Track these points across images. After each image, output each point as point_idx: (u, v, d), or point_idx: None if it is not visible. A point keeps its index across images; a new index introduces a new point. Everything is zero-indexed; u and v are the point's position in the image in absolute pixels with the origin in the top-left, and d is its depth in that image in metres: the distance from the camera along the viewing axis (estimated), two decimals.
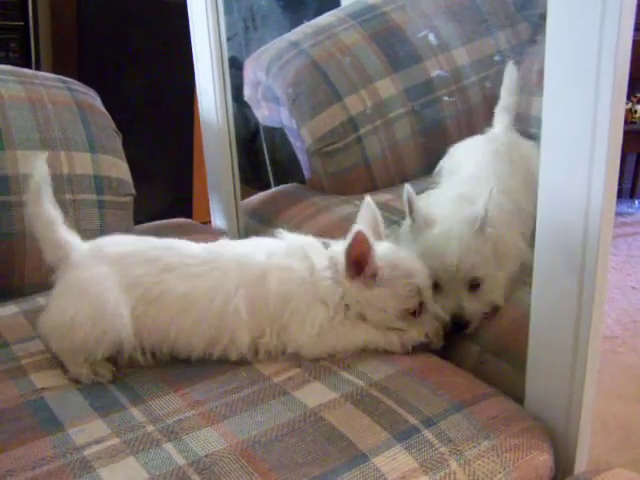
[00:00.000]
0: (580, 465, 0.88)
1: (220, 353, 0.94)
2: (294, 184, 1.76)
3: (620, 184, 3.01)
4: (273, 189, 1.82)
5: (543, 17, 0.77)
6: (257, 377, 0.91)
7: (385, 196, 1.55)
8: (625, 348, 1.90)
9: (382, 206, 1.48)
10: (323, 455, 0.76)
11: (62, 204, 1.24)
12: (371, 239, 0.94)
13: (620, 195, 3.09)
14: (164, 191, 2.41)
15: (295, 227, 1.50)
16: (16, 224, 1.19)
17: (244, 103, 1.89)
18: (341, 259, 0.96)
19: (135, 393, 0.89)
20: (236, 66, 1.90)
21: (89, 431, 0.80)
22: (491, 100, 1.63)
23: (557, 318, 0.84)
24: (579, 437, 0.86)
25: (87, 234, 1.00)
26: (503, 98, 1.54)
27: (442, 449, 0.78)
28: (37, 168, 0.96)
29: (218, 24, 1.49)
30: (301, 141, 1.66)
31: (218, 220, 1.66)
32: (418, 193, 1.54)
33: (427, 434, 0.80)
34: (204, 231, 1.54)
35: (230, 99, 1.56)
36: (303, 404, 0.85)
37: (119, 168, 1.36)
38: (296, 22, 2.07)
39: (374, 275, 0.95)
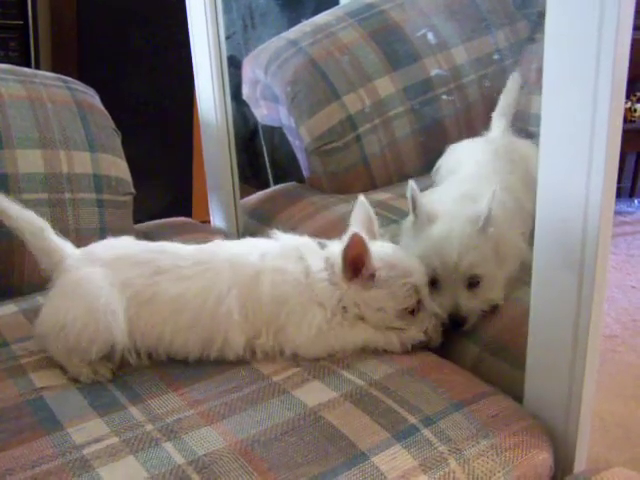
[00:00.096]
0: (579, 464, 0.88)
1: (217, 354, 0.94)
2: (293, 183, 1.76)
3: (619, 183, 3.01)
4: (272, 188, 1.82)
5: (542, 15, 0.77)
6: (256, 376, 0.91)
7: (384, 195, 1.55)
8: (625, 347, 1.90)
9: (381, 205, 1.50)
10: (323, 454, 0.76)
11: (61, 203, 1.25)
12: (367, 241, 0.93)
13: (619, 194, 3.09)
14: (163, 190, 2.41)
15: (294, 226, 1.50)
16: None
17: (243, 102, 1.89)
18: (338, 261, 0.95)
19: (134, 392, 0.89)
20: (235, 65, 1.90)
21: (88, 430, 0.80)
22: (490, 99, 1.63)
23: (556, 317, 0.84)
24: (578, 436, 0.86)
25: (86, 233, 1.01)
26: (502, 104, 1.54)
27: (441, 448, 0.78)
28: None
29: (217, 23, 1.49)
30: (300, 140, 1.66)
31: (217, 219, 1.66)
32: (420, 191, 1.55)
33: (426, 433, 0.80)
34: (203, 230, 1.54)
35: (229, 98, 1.56)
36: (302, 403, 0.85)
37: (118, 167, 1.36)
38: (295, 21, 2.07)
39: (371, 276, 0.95)
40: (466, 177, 1.27)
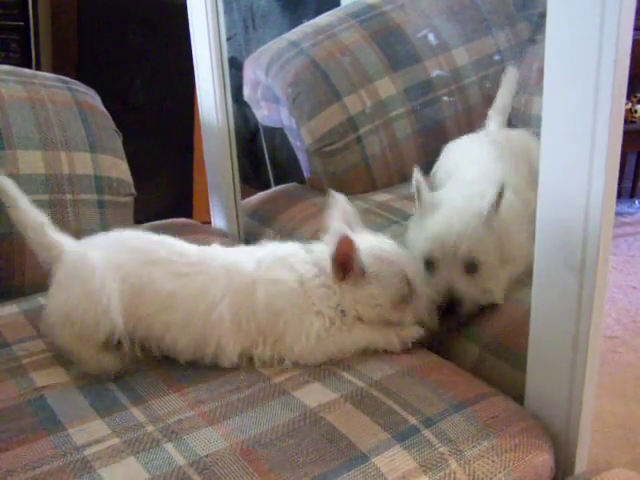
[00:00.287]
0: (580, 465, 0.88)
1: (210, 359, 0.93)
2: (294, 184, 1.76)
3: (620, 184, 3.01)
4: (273, 189, 1.82)
5: (543, 16, 0.78)
6: (257, 377, 0.91)
7: (385, 196, 1.55)
8: (625, 348, 1.90)
9: (382, 206, 1.50)
10: (323, 455, 0.76)
11: (62, 204, 1.25)
12: (354, 239, 0.93)
13: (620, 195, 3.09)
14: (164, 191, 2.41)
15: (295, 227, 1.50)
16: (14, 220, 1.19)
17: (244, 103, 1.89)
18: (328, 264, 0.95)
19: (135, 393, 0.89)
20: (236, 66, 1.90)
21: (89, 431, 0.80)
22: (491, 100, 1.63)
23: (557, 317, 0.84)
24: (579, 437, 0.86)
25: (87, 234, 1.01)
26: (500, 99, 1.54)
27: (442, 449, 0.78)
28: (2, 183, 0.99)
29: (218, 24, 1.49)
30: (301, 141, 1.66)
31: (218, 220, 1.66)
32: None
33: (427, 434, 0.80)
34: (204, 231, 1.54)
35: (230, 99, 1.56)
36: (303, 404, 0.85)
37: (119, 168, 1.37)
38: (296, 22, 2.08)
39: (362, 273, 0.95)
40: (473, 179, 1.25)
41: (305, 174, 1.72)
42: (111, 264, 0.93)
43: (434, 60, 1.75)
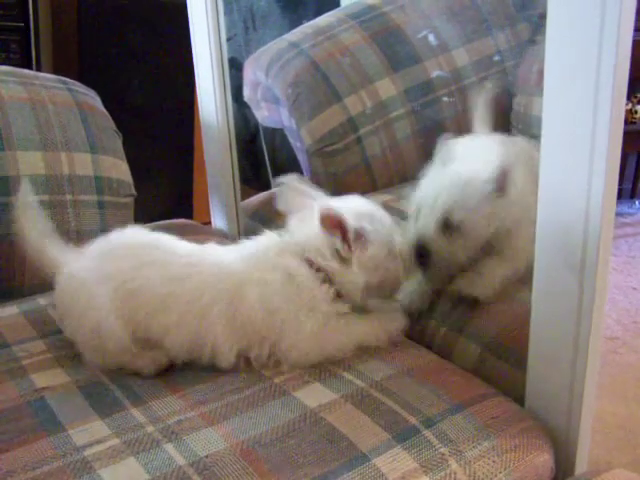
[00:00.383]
0: (580, 465, 0.88)
1: (208, 359, 0.92)
2: None
3: (620, 185, 3.01)
4: (273, 189, 1.82)
5: (543, 17, 0.78)
6: (257, 378, 0.91)
7: (385, 196, 1.55)
8: (626, 349, 1.90)
9: (383, 207, 1.49)
10: (323, 455, 0.76)
11: (62, 204, 1.26)
12: (335, 206, 0.91)
13: (620, 196, 3.09)
14: (164, 192, 2.41)
15: None
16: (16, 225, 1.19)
17: (244, 104, 1.89)
18: (322, 251, 0.93)
19: (135, 394, 0.89)
20: (236, 67, 1.90)
21: (89, 431, 0.80)
22: (490, 100, 1.63)
23: (557, 318, 0.84)
24: (580, 437, 0.86)
25: (87, 235, 1.01)
26: (479, 117, 1.52)
27: (442, 449, 0.78)
28: (22, 192, 1.02)
29: (218, 24, 1.49)
30: (301, 141, 1.66)
31: (218, 221, 1.66)
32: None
33: (427, 434, 0.80)
34: (204, 232, 1.54)
35: (230, 100, 1.56)
36: (303, 404, 0.85)
37: (119, 169, 1.37)
38: (296, 22, 2.08)
39: (360, 236, 0.93)
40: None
41: (305, 175, 1.72)
42: (102, 275, 0.92)
43: (434, 61, 1.75)
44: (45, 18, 2.22)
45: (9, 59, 2.07)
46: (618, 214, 2.91)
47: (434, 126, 1.72)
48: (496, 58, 1.82)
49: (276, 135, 2.48)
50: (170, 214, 1.63)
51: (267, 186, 2.33)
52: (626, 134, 0.76)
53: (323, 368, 0.93)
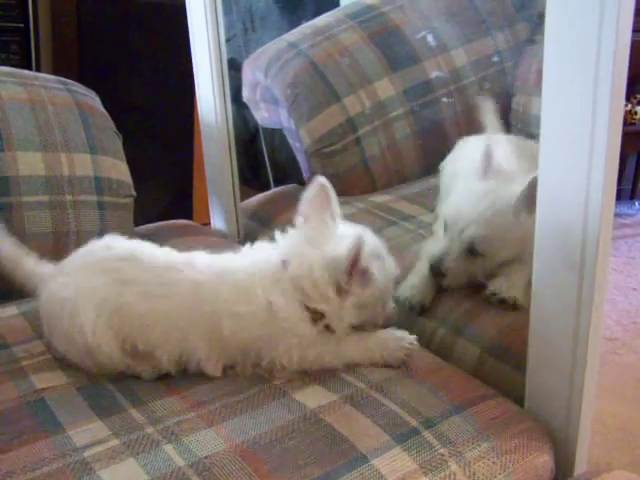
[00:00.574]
0: (580, 466, 0.88)
1: (196, 369, 0.91)
2: (293, 185, 1.76)
3: (620, 185, 3.01)
4: (272, 190, 1.82)
5: (542, 17, 0.78)
6: (256, 379, 0.91)
7: (384, 197, 1.55)
8: (625, 349, 1.89)
9: (381, 207, 1.50)
10: (323, 457, 0.76)
11: (62, 205, 1.25)
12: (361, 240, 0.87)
13: (620, 196, 3.08)
14: (164, 192, 2.41)
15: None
16: (16, 225, 1.19)
17: (243, 104, 1.89)
18: (319, 287, 0.89)
19: (135, 395, 0.89)
20: (235, 67, 1.90)
21: (89, 432, 0.80)
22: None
23: (557, 319, 0.84)
24: (579, 438, 0.86)
25: (87, 235, 1.01)
26: (489, 124, 1.53)
27: (442, 450, 0.78)
28: None
29: (217, 25, 1.49)
30: (300, 142, 1.66)
31: (218, 221, 1.66)
32: (420, 191, 1.54)
33: (427, 435, 0.80)
34: (204, 232, 1.54)
35: (229, 100, 1.56)
36: (303, 406, 0.85)
37: (119, 169, 1.36)
38: (295, 23, 2.08)
39: (365, 275, 0.90)
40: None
41: (304, 175, 1.72)
42: (85, 292, 0.91)
43: (433, 61, 1.75)
44: (45, 19, 2.22)
45: (9, 60, 2.07)
46: (617, 215, 2.91)
47: (433, 126, 1.72)
48: (495, 58, 1.82)
49: (275, 135, 2.48)
50: (170, 215, 1.63)
51: (267, 187, 2.33)
52: (625, 135, 0.76)
53: (323, 369, 0.93)
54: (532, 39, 1.85)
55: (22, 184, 1.21)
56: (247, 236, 1.60)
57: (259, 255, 0.96)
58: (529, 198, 0.99)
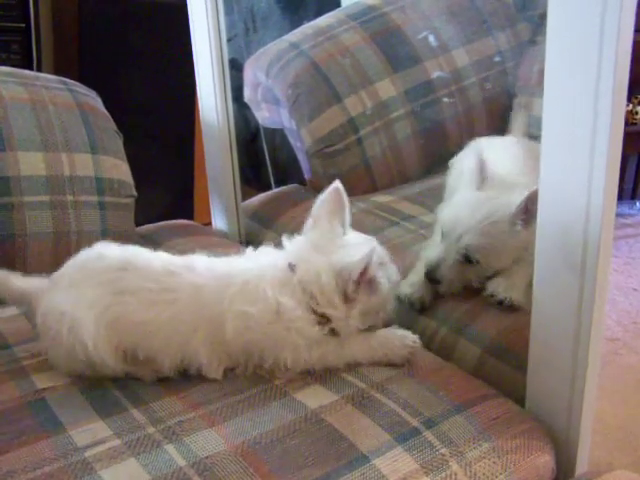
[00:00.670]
0: (581, 466, 0.88)
1: (197, 373, 0.91)
2: (295, 185, 1.76)
3: (621, 185, 3.00)
4: (273, 190, 1.82)
5: (543, 17, 0.78)
6: (258, 379, 0.91)
7: (386, 197, 1.55)
8: (626, 350, 1.89)
9: (382, 207, 1.50)
10: (324, 457, 0.76)
11: (63, 205, 1.26)
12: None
13: (621, 197, 3.08)
14: (165, 192, 2.41)
15: (295, 228, 1.49)
16: (17, 225, 1.19)
17: (244, 104, 1.89)
18: (327, 293, 0.89)
19: (136, 395, 0.89)
20: (236, 67, 1.90)
21: (90, 432, 0.80)
22: (491, 101, 1.63)
23: (558, 319, 0.84)
24: (580, 438, 0.86)
25: (88, 235, 1.01)
26: (516, 122, 1.54)
27: (443, 450, 0.78)
28: None
29: (218, 25, 1.49)
30: (301, 142, 1.66)
31: (219, 221, 1.66)
32: (421, 191, 1.54)
33: (428, 435, 0.80)
34: (205, 232, 1.54)
35: (230, 100, 1.56)
36: (304, 406, 0.85)
37: (120, 169, 1.37)
38: (296, 23, 2.08)
39: (372, 281, 0.91)
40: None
41: (305, 175, 1.72)
42: (83, 305, 0.89)
43: (434, 61, 1.75)
44: (46, 19, 2.22)
45: (10, 60, 2.07)
46: (619, 215, 2.91)
47: (434, 127, 1.72)
48: (496, 59, 1.82)
49: (276, 136, 2.48)
50: (171, 215, 1.63)
51: (268, 187, 2.33)
52: (627, 135, 0.76)
53: (324, 369, 0.93)
54: (533, 40, 1.85)
55: (23, 184, 1.21)
56: (248, 236, 1.60)
57: (265, 258, 0.96)
58: (526, 211, 1.01)
